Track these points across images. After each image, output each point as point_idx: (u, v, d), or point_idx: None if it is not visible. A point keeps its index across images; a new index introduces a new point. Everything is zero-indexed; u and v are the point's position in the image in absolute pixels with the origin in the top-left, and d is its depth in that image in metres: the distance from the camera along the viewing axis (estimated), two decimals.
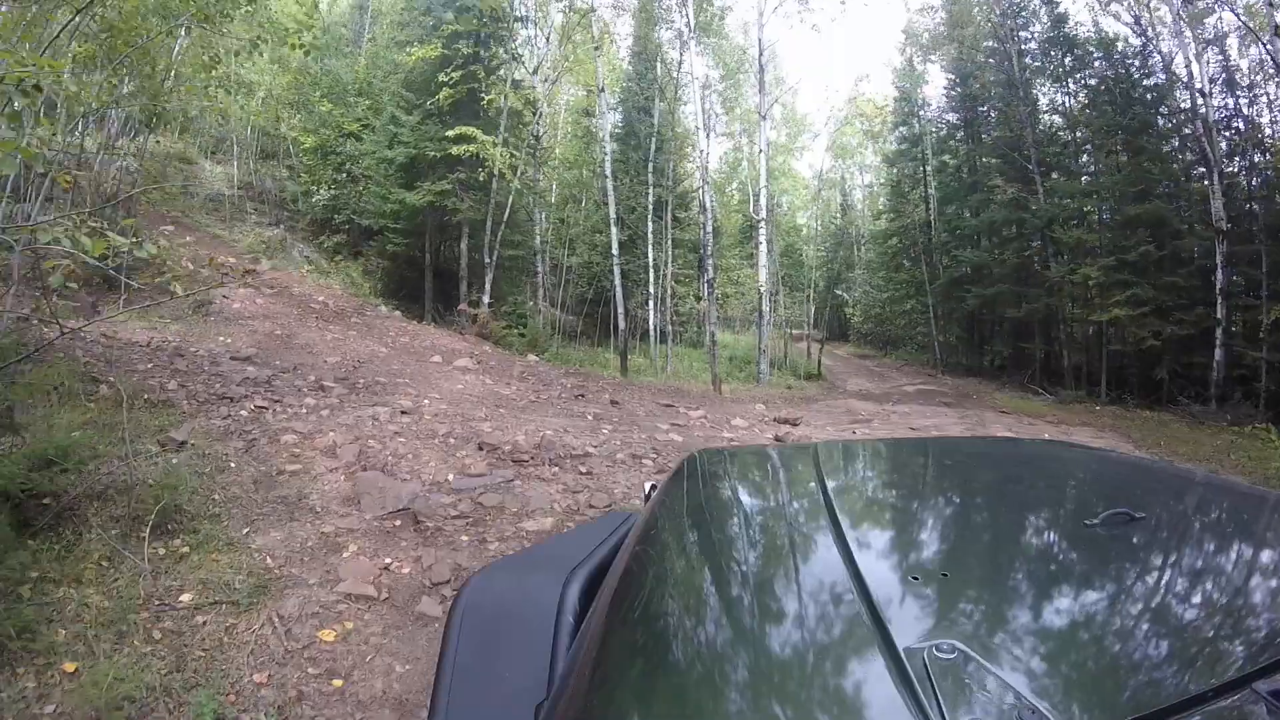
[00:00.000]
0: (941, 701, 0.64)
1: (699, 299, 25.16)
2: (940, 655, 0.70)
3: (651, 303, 20.28)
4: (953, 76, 27.68)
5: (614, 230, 14.92)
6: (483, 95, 14.92)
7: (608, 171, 15.29)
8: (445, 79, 14.79)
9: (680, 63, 23.73)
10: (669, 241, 21.38)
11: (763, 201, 18.29)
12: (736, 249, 32.48)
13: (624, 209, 22.11)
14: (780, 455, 1.98)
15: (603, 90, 15.79)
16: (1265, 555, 1.10)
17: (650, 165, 21.43)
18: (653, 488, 1.74)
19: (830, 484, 1.38)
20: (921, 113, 30.25)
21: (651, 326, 20.53)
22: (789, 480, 1.62)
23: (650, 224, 20.42)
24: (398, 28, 19.76)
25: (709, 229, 16.85)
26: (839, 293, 35.16)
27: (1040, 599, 0.93)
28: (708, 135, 20.31)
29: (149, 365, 9.13)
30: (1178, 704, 0.65)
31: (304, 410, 7.90)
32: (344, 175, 18.84)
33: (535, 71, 18.74)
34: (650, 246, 20.17)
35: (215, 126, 21.92)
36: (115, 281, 12.98)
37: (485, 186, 16.24)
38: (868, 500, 1.49)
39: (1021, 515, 1.29)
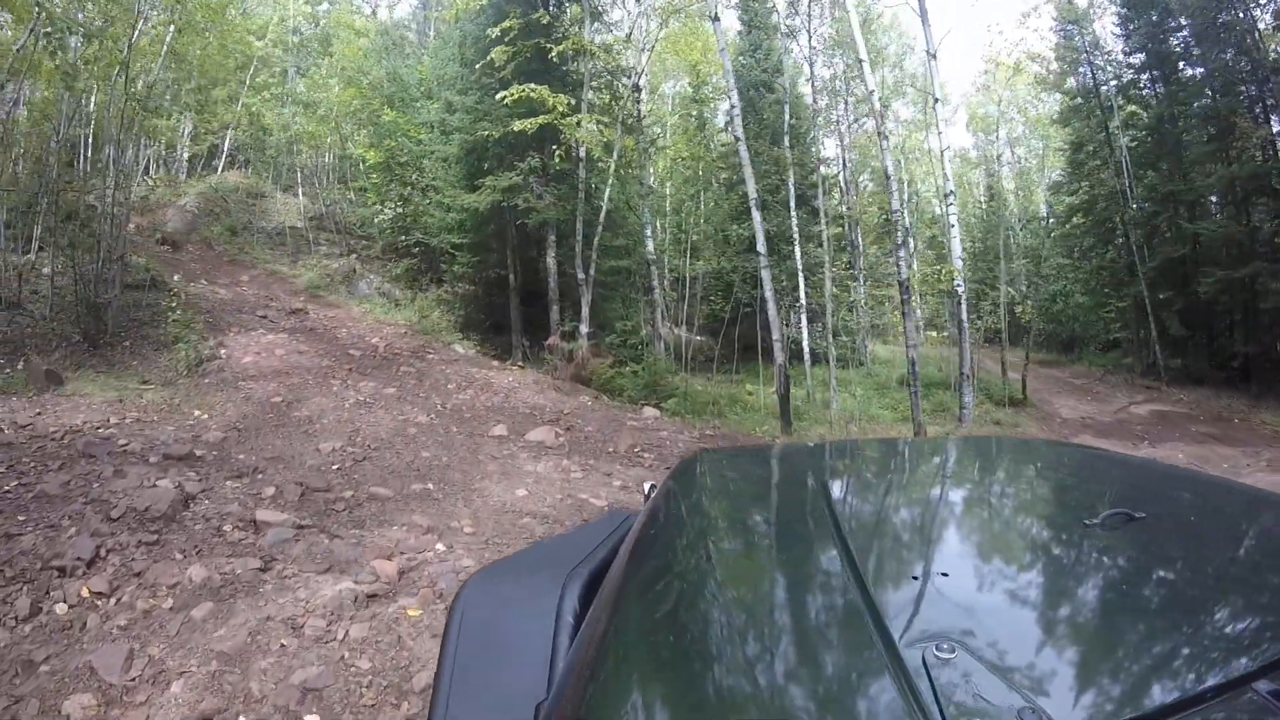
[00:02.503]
0: (941, 701, 0.62)
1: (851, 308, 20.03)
2: (940, 655, 0.68)
3: (804, 317, 15.35)
4: (1124, 10, 21.45)
5: (756, 217, 10.17)
6: (550, 47, 10.65)
7: (738, 133, 10.55)
8: (499, 33, 10.64)
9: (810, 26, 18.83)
10: (828, 238, 16.34)
11: (947, 169, 13.08)
12: (873, 247, 26.86)
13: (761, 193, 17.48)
14: (781, 455, 1.97)
15: (717, 19, 11.11)
16: (1265, 555, 1.06)
17: (786, 139, 16.61)
18: (652, 487, 1.66)
19: (830, 484, 1.40)
20: (1092, 58, 23.66)
21: (805, 349, 15.60)
22: (789, 480, 1.59)
23: (795, 217, 15.53)
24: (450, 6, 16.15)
25: (896, 206, 11.69)
26: (1006, 288, 28.65)
27: (1040, 599, 0.91)
28: (872, 68, 15.06)
29: (10, 484, 5.40)
30: (1178, 704, 0.64)
31: (170, 601, 3.82)
32: (409, 188, 15.24)
33: (628, 37, 14.40)
34: (797, 244, 15.30)
35: (284, 155, 19.34)
36: (100, 338, 9.68)
37: (570, 177, 11.98)
38: (868, 500, 1.43)
39: (1021, 515, 1.28)
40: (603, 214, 12.20)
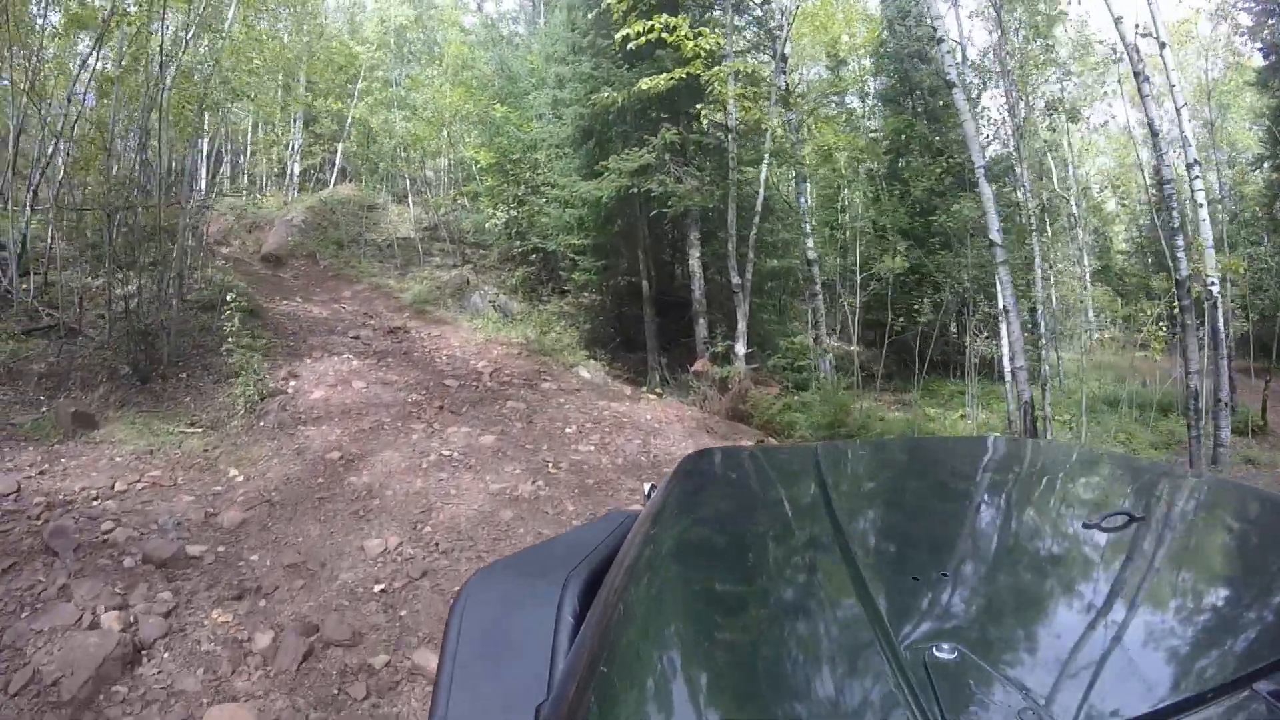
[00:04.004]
0: (941, 701, 0.62)
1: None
2: (940, 655, 0.69)
3: (1010, 325, 12.13)
4: None
5: (987, 192, 7.07)
6: None
7: (951, 77, 7.43)
8: None
9: None
10: (1038, 222, 13.00)
11: (1185, 128, 9.71)
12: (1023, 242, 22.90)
13: (925, 189, 14.38)
14: (781, 456, 1.98)
15: None
16: (1265, 555, 1.07)
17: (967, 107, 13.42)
18: (652, 488, 1.66)
19: (830, 484, 1.37)
20: None
21: (1005, 365, 12.40)
22: (789, 481, 1.55)
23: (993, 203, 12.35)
24: None
25: (1170, 174, 8.32)
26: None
27: (1040, 599, 0.90)
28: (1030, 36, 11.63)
29: None
30: (1178, 704, 0.64)
31: None
32: (523, 187, 13.34)
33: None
34: (996, 235, 12.15)
35: (390, 163, 18.21)
36: (153, 370, 8.13)
37: (716, 153, 9.46)
38: (868, 500, 1.45)
39: (1022, 515, 1.26)
40: (760, 200, 9.61)
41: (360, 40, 20.40)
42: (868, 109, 21.85)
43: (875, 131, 19.51)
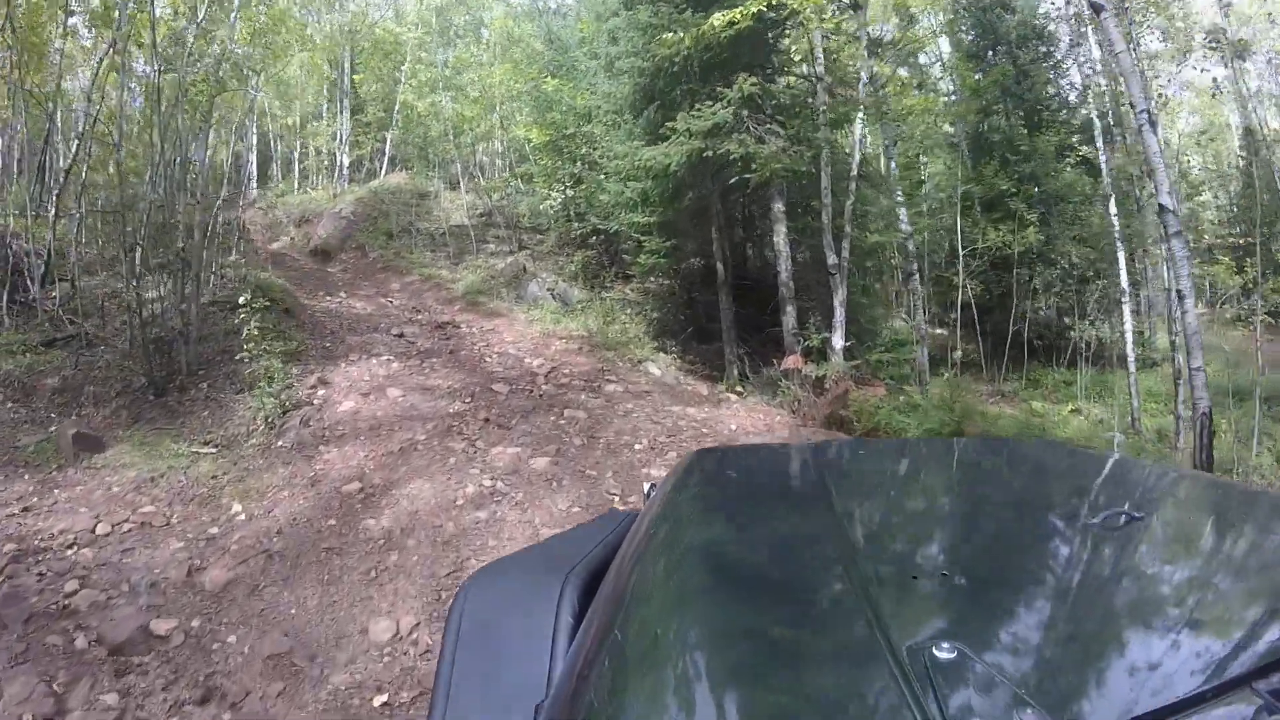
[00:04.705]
0: (941, 701, 0.62)
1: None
2: (940, 655, 0.68)
3: (1127, 309, 10.52)
4: None
5: (1151, 143, 5.44)
6: None
7: None
8: None
9: None
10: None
11: None
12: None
13: (1032, 159, 12.79)
14: (781, 455, 1.95)
15: None
16: (1265, 555, 1.05)
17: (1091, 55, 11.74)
18: (652, 487, 1.66)
19: (831, 483, 1.38)
20: None
21: (1129, 352, 10.89)
22: (789, 479, 1.56)
23: (1106, 160, 10.75)
24: None
25: None
26: None
27: (1040, 599, 0.90)
28: None
29: None
30: (1177, 704, 0.64)
31: None
32: (579, 164, 12.28)
33: None
34: (1113, 203, 10.63)
35: (437, 147, 17.48)
36: (171, 380, 7.41)
37: (803, 108, 8.14)
38: (868, 500, 1.41)
39: (1021, 515, 1.25)
40: (855, 164, 8.27)
41: (403, 23, 19.93)
42: (948, 66, 20.24)
43: (951, 94, 17.92)
